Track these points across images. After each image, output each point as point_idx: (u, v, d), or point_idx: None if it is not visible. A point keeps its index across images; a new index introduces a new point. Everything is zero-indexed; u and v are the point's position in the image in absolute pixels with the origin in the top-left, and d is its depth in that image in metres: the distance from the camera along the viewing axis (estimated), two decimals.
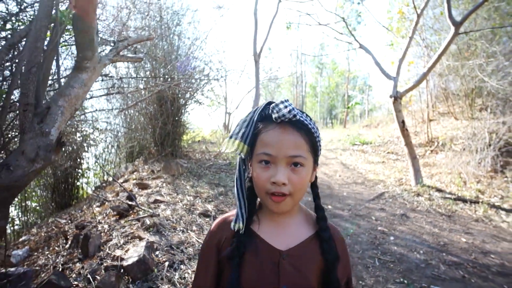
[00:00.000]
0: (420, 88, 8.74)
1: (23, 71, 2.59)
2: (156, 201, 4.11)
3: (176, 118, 6.60)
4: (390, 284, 2.50)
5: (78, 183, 6.74)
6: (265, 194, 0.73)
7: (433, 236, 3.51)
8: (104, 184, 6.65)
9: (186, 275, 2.45)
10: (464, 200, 4.69)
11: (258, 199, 0.84)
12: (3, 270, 2.36)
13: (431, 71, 5.37)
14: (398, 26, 7.08)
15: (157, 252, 2.79)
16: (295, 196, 0.73)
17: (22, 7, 2.55)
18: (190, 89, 7.09)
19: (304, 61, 25.14)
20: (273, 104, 0.74)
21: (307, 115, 0.79)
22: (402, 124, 5.53)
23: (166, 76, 6.09)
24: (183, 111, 7.14)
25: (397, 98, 5.47)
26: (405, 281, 2.54)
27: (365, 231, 3.59)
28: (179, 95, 6.67)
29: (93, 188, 6.87)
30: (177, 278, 2.36)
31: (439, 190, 5.15)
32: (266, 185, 0.72)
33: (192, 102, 7.32)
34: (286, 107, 0.72)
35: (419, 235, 3.52)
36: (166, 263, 2.61)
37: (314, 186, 0.84)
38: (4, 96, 2.04)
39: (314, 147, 0.76)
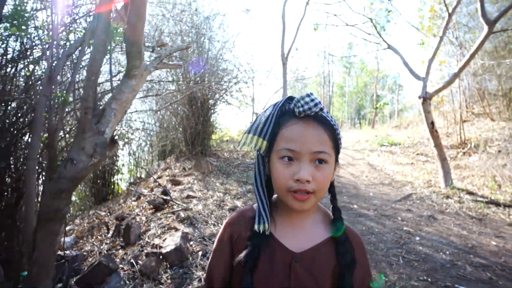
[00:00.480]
0: (452, 88, 8.47)
1: (80, 79, 2.93)
2: (188, 196, 4.38)
3: (206, 118, 6.90)
4: (414, 281, 2.56)
5: (113, 179, 7.23)
6: (287, 192, 0.71)
7: (460, 238, 3.49)
8: (137, 181, 7.09)
9: None
10: (498, 204, 4.56)
11: (273, 198, 0.82)
12: (61, 253, 2.70)
13: (462, 71, 5.26)
14: (430, 24, 6.92)
15: (191, 242, 3.03)
16: (318, 194, 0.71)
17: (76, 19, 2.88)
18: (220, 91, 7.38)
19: (332, 61, 24.88)
20: (298, 97, 0.72)
21: (327, 111, 0.77)
22: (431, 125, 5.45)
23: (197, 79, 6.39)
24: (212, 111, 7.45)
25: (426, 99, 5.40)
26: (429, 279, 2.60)
27: (390, 230, 3.64)
28: (209, 96, 6.96)
29: (127, 185, 7.35)
30: None
31: (470, 193, 5.03)
32: (289, 182, 0.70)
33: (221, 103, 7.61)
34: (312, 100, 0.70)
35: (446, 237, 3.52)
36: (200, 253, 2.83)
37: (331, 186, 0.80)
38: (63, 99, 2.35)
39: (336, 144, 0.74)
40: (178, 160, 7.01)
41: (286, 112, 0.74)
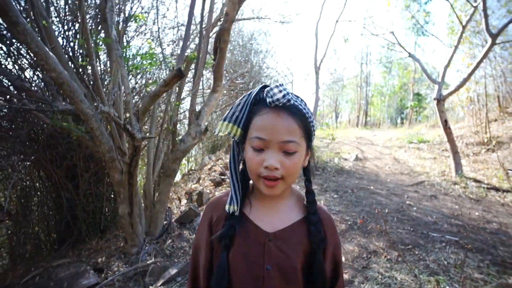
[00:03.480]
0: (478, 89, 9.02)
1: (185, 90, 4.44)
2: None
3: None
4: (400, 230, 3.68)
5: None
6: (258, 177, 0.76)
7: (450, 210, 4.47)
8: (191, 172, 8.66)
9: None
10: (497, 189, 5.37)
11: (251, 182, 0.87)
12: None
13: (470, 77, 6.05)
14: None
15: None
16: (287, 180, 0.76)
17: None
18: None
19: (370, 61, 25.14)
20: (268, 88, 0.75)
21: (301, 99, 0.80)
22: (445, 123, 6.31)
23: (242, 85, 7.80)
24: None
25: (440, 100, 6.27)
26: (411, 229, 3.70)
27: (395, 203, 4.71)
28: None
29: (181, 175, 8.94)
30: None
31: (476, 181, 5.85)
32: (259, 168, 0.74)
33: None
34: (280, 91, 0.72)
35: (438, 209, 4.52)
36: None
37: (306, 170, 0.86)
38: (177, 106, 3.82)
39: (308, 132, 0.78)
40: (227, 152, 8.49)
41: (260, 101, 0.77)
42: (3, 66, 3.37)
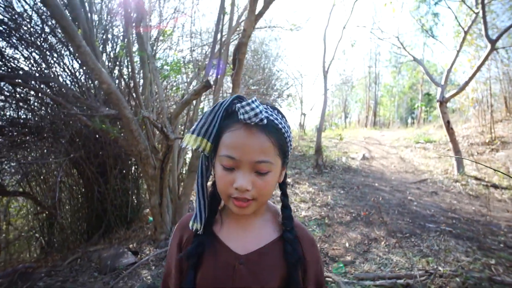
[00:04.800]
0: (484, 91, 9.28)
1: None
2: None
3: None
4: (400, 221, 4.08)
5: None
6: (228, 197, 0.71)
7: (448, 205, 4.83)
8: None
9: (278, 207, 4.47)
10: (496, 186, 5.68)
11: None
12: None
13: (471, 81, 6.36)
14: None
15: None
16: (259, 200, 0.71)
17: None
18: (272, 95, 9.20)
19: (379, 61, 25.30)
20: (240, 104, 0.68)
21: (278, 111, 0.75)
22: (447, 124, 6.63)
23: (253, 87, 8.25)
24: None
25: (442, 102, 6.60)
26: (410, 220, 4.09)
27: (397, 198, 5.09)
28: (265, 99, 8.82)
29: None
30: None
31: (477, 179, 6.17)
32: (229, 189, 0.69)
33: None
34: (252, 109, 0.66)
35: (437, 204, 4.88)
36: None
37: (282, 184, 0.82)
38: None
39: (284, 149, 0.73)
40: None
41: (232, 114, 0.71)
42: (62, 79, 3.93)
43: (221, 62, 3.74)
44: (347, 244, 3.46)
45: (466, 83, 6.35)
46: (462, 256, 3.07)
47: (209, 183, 0.79)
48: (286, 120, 0.76)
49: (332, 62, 7.19)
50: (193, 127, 0.73)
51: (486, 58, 5.83)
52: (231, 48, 4.63)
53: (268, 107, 0.74)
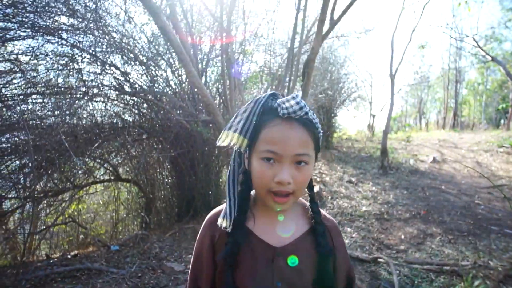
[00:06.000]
0: None
1: None
2: (320, 172, 6.83)
3: (329, 121, 9.24)
4: (461, 221, 4.25)
5: None
6: (267, 192, 0.73)
7: None
8: None
9: (341, 202, 5.00)
10: None
11: (252, 193, 0.84)
12: None
13: None
14: None
15: (323, 192, 5.43)
16: (297, 194, 0.75)
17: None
18: (340, 99, 9.59)
19: (462, 56, 23.05)
20: (283, 99, 0.72)
21: (309, 109, 0.75)
22: None
23: (321, 94, 8.76)
24: (333, 115, 9.75)
25: None
26: (472, 221, 4.23)
27: (463, 201, 5.15)
28: (332, 103, 9.28)
29: None
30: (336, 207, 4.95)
31: None
32: (270, 183, 0.72)
33: (341, 109, 9.83)
34: (297, 103, 0.70)
35: (508, 210, 4.81)
36: (329, 197, 5.21)
37: (309, 180, 0.82)
38: None
39: (317, 143, 0.77)
40: None
41: (269, 110, 0.74)
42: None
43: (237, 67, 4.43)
44: (402, 237, 3.84)
45: None
46: None
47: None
48: (315, 116, 0.79)
49: (401, 65, 7.32)
50: (229, 124, 0.77)
51: None
52: (303, 57, 5.27)
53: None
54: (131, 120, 5.68)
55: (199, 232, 0.87)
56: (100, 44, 4.29)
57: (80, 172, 4.82)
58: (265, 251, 0.78)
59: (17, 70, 3.78)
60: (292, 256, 0.78)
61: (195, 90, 3.63)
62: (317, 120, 0.77)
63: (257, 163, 0.73)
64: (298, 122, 0.72)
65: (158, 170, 6.77)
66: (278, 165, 0.71)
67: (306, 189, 0.83)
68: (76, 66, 4.15)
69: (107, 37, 4.37)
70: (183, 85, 5.31)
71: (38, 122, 4.02)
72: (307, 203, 0.88)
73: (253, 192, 0.84)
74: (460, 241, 3.64)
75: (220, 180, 6.94)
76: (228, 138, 0.76)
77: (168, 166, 6.70)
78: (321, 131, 0.80)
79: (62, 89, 4.08)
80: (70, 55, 4.09)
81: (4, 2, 3.42)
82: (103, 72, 4.49)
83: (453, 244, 3.54)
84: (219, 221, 0.80)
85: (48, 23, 3.86)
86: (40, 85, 4.01)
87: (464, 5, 7.26)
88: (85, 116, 4.71)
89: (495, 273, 2.67)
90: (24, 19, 3.67)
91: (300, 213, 0.86)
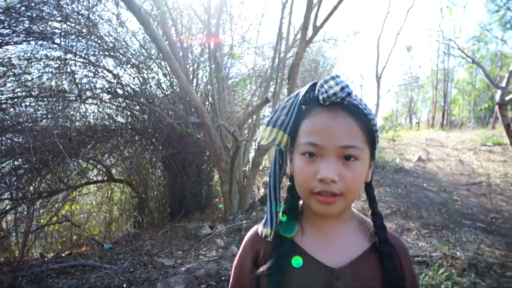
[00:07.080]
0: None
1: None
2: None
3: None
4: (437, 216, 4.50)
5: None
6: (309, 193, 0.62)
7: (495, 206, 5.01)
8: (265, 168, 10.14)
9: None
10: None
11: (300, 202, 0.73)
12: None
13: None
14: None
15: None
16: (347, 196, 0.61)
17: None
18: None
19: (451, 56, 23.52)
20: (321, 81, 0.62)
21: (361, 99, 0.65)
22: (507, 127, 6.54)
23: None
24: None
25: (502, 105, 6.54)
26: (447, 216, 4.48)
27: (441, 198, 5.41)
28: None
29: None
30: None
31: None
32: (311, 182, 0.60)
33: None
34: (338, 83, 0.59)
35: (483, 205, 5.09)
36: None
37: (369, 187, 0.71)
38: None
39: (371, 137, 0.64)
40: None
41: (310, 101, 0.65)
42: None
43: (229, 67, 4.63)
44: None
45: None
46: (486, 248, 3.48)
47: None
48: (369, 108, 0.67)
49: (389, 66, 7.56)
50: (268, 119, 0.68)
51: None
52: (289, 61, 5.48)
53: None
54: (123, 121, 5.85)
55: (238, 254, 0.76)
56: (92, 48, 4.44)
57: (73, 173, 4.96)
58: (320, 272, 0.65)
59: (11, 74, 3.91)
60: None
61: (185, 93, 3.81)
62: (368, 108, 0.66)
63: (298, 160, 0.64)
64: (342, 109, 0.61)
65: (150, 170, 6.92)
66: (321, 160, 0.60)
67: (368, 202, 0.74)
68: (69, 70, 4.29)
69: (99, 41, 4.53)
70: (174, 87, 5.48)
71: (32, 124, 4.16)
72: (364, 216, 0.76)
73: (301, 201, 0.74)
74: (434, 235, 3.88)
75: (211, 180, 7.14)
76: (266, 134, 0.67)
77: (160, 167, 6.86)
78: (376, 122, 0.67)
79: (55, 92, 4.23)
80: (64, 59, 4.24)
81: None
82: (96, 76, 4.65)
83: (427, 238, 3.78)
84: (260, 229, 0.71)
85: (41, 29, 4.00)
86: (33, 88, 4.15)
87: (446, 9, 7.52)
88: (78, 118, 4.86)
89: (460, 262, 2.90)
90: (18, 25, 3.80)
91: (357, 226, 0.72)
